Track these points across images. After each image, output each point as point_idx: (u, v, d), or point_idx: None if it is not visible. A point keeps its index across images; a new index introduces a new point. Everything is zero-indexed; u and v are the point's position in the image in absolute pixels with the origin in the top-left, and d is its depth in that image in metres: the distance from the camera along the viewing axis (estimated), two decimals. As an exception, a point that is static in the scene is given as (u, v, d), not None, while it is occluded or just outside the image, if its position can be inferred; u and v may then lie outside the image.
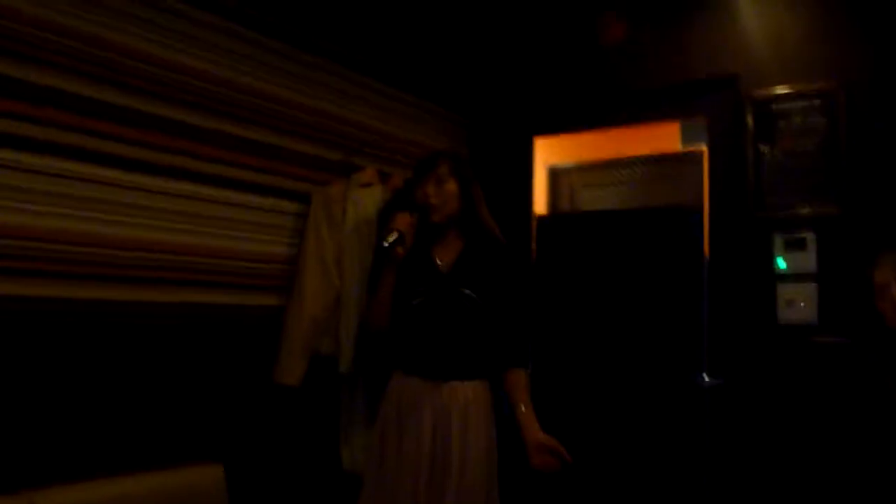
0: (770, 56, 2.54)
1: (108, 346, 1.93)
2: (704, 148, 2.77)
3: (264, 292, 2.35)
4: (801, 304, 2.36)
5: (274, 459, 2.33)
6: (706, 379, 2.58)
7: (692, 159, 3.32)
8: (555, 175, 3.94)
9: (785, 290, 2.39)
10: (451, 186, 2.08)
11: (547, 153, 3.79)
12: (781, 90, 2.48)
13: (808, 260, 2.36)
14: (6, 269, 1.69)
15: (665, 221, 2.87)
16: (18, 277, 1.71)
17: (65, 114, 1.80)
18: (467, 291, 2.05)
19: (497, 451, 2.07)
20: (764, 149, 2.49)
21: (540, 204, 3.75)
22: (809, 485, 2.28)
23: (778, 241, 2.42)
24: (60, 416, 1.82)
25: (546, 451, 1.94)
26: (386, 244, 1.97)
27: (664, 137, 3.47)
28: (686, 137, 3.37)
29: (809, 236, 2.37)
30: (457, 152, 2.28)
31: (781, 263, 2.41)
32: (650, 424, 2.72)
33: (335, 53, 2.60)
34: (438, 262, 2.10)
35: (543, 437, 1.96)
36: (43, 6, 1.76)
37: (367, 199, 2.45)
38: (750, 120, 2.53)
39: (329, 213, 2.41)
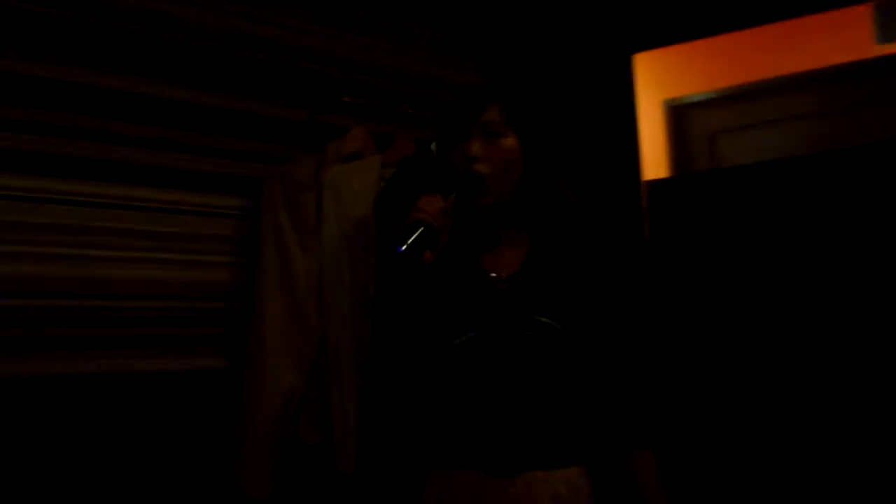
0: None
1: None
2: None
3: (200, 349, 1.93)
4: None
5: None
6: None
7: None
8: (678, 114, 3.23)
9: None
10: (510, 143, 1.62)
11: (662, 81, 3.19)
12: None
13: None
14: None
15: (882, 166, 2.25)
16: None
17: None
18: (545, 319, 1.58)
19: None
20: None
21: (654, 162, 3.14)
22: None
23: None
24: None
25: None
26: (404, 247, 1.47)
27: (849, 36, 2.85)
28: (884, 31, 2.77)
29: None
30: (512, 87, 2.06)
31: None
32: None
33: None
34: (493, 275, 1.65)
35: None
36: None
37: (355, 180, 1.99)
38: None
39: (294, 209, 1.96)
